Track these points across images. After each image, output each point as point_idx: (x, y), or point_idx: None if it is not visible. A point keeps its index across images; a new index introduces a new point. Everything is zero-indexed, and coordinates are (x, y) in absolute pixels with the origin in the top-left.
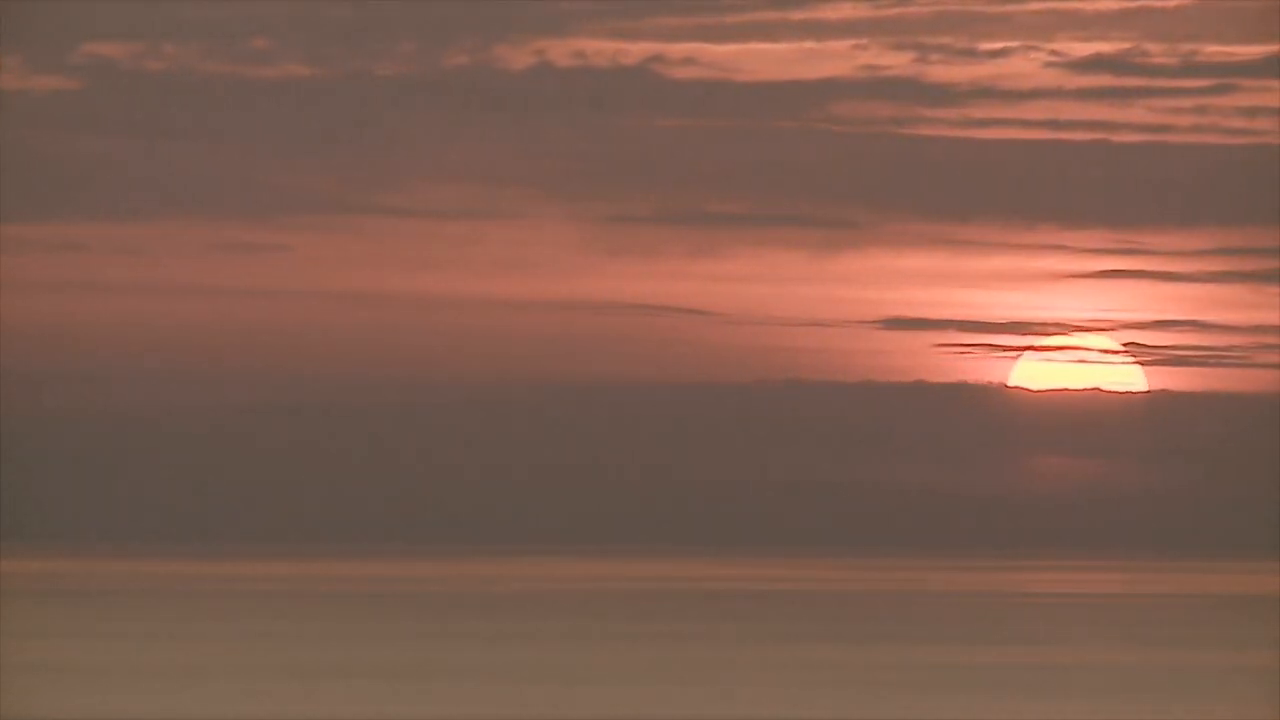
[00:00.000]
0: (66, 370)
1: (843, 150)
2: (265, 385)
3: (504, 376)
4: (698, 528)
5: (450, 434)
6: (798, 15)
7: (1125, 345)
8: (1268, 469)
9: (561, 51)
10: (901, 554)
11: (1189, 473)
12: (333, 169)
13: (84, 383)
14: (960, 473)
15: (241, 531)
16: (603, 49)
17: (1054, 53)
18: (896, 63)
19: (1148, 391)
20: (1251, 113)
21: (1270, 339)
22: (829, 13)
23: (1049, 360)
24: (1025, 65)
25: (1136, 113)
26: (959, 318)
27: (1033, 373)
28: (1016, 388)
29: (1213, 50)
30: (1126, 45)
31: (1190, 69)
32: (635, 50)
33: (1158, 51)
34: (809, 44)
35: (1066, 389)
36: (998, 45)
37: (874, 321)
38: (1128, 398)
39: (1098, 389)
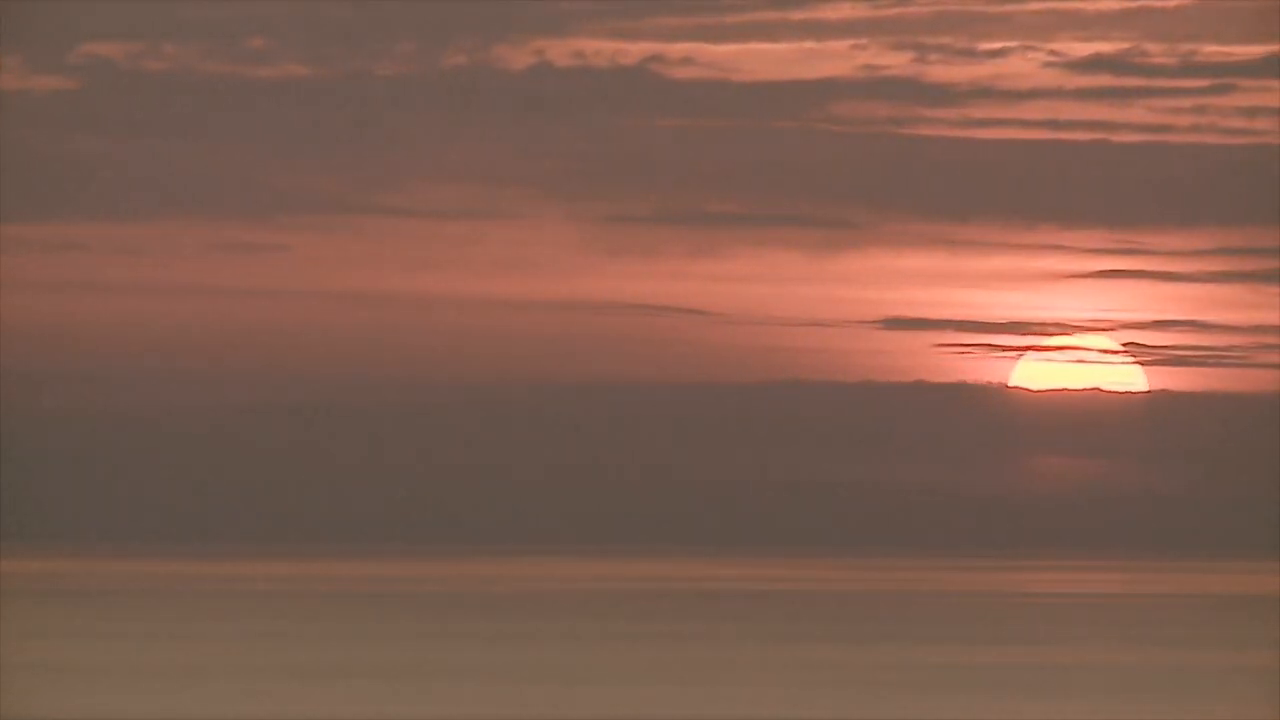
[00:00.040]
0: (66, 370)
1: (842, 150)
2: (265, 385)
3: (504, 376)
4: (698, 528)
5: (450, 434)
6: (797, 15)
7: (1125, 345)
8: (1268, 469)
9: (561, 51)
10: (901, 554)
11: (1189, 473)
12: (332, 169)
13: (84, 383)
14: (960, 473)
15: (241, 531)
16: (602, 49)
17: (1053, 53)
18: (896, 63)
19: (1148, 391)
20: (1251, 113)
21: (1270, 339)
22: (829, 13)
23: (1049, 360)
24: (1025, 65)
25: (1136, 113)
26: (959, 318)
27: (1033, 373)
28: (1016, 388)
29: (1212, 50)
30: (1126, 45)
31: (1190, 69)
32: (634, 50)
33: (1157, 51)
34: (808, 44)
35: (1066, 389)
36: (997, 45)
37: (874, 321)
38: (1128, 398)
39: (1098, 389)
